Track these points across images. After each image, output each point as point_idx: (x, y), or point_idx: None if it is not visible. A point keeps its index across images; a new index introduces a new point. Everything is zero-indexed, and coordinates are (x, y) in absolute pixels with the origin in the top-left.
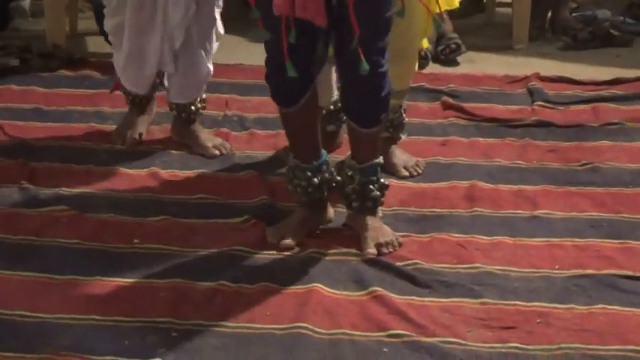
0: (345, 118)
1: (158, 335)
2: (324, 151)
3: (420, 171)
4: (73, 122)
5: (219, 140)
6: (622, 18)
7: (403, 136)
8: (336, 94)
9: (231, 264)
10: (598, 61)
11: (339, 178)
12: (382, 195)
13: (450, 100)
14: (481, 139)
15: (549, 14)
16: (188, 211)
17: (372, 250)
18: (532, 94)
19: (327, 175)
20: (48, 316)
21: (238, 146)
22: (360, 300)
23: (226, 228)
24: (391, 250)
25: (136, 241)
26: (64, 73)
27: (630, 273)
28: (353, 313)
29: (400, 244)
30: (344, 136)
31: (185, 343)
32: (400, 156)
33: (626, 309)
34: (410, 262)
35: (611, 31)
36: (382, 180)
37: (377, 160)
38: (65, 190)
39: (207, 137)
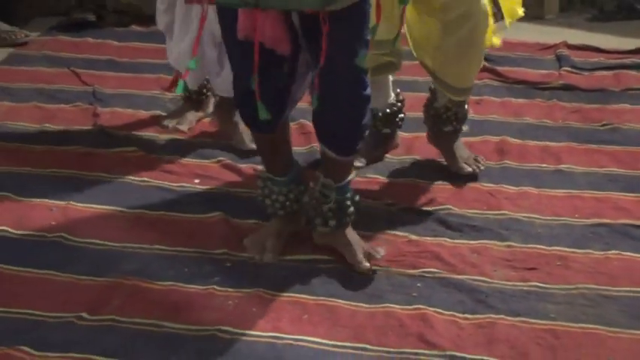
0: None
1: (214, 265)
2: (296, 161)
3: (482, 167)
4: (144, 73)
5: None
6: None
7: (465, 128)
8: (392, 98)
9: None
10: (622, 31)
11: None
12: (357, 209)
13: (485, 63)
14: (512, 99)
15: None
16: (243, 156)
17: (366, 264)
18: (560, 60)
19: (302, 187)
20: (116, 245)
21: None
22: (395, 241)
23: None
24: (378, 256)
25: (196, 181)
26: (136, 29)
27: None
28: (388, 251)
29: (383, 249)
30: (400, 137)
31: (239, 272)
32: (462, 154)
33: (638, 255)
34: (443, 207)
35: (636, 5)
36: (354, 194)
37: (351, 177)
38: (134, 134)
39: (246, 129)
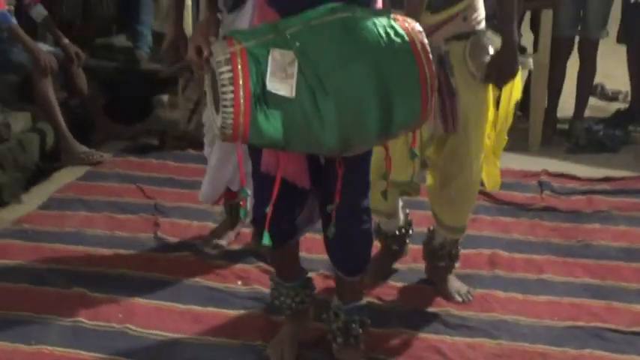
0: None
1: (254, 354)
2: (305, 270)
3: (471, 298)
4: (198, 189)
5: None
6: (600, 127)
7: (457, 264)
8: (402, 220)
9: None
10: (593, 162)
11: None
12: (364, 332)
13: (480, 187)
14: (501, 218)
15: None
16: None
17: None
18: (541, 185)
19: (308, 290)
20: (173, 335)
21: None
22: (404, 337)
23: None
24: None
25: (239, 282)
26: (192, 152)
27: (612, 326)
28: (399, 348)
29: None
30: (408, 250)
31: None
32: (454, 284)
33: (608, 354)
34: (444, 309)
35: (605, 140)
36: (365, 318)
37: (361, 302)
38: (188, 241)
39: None
